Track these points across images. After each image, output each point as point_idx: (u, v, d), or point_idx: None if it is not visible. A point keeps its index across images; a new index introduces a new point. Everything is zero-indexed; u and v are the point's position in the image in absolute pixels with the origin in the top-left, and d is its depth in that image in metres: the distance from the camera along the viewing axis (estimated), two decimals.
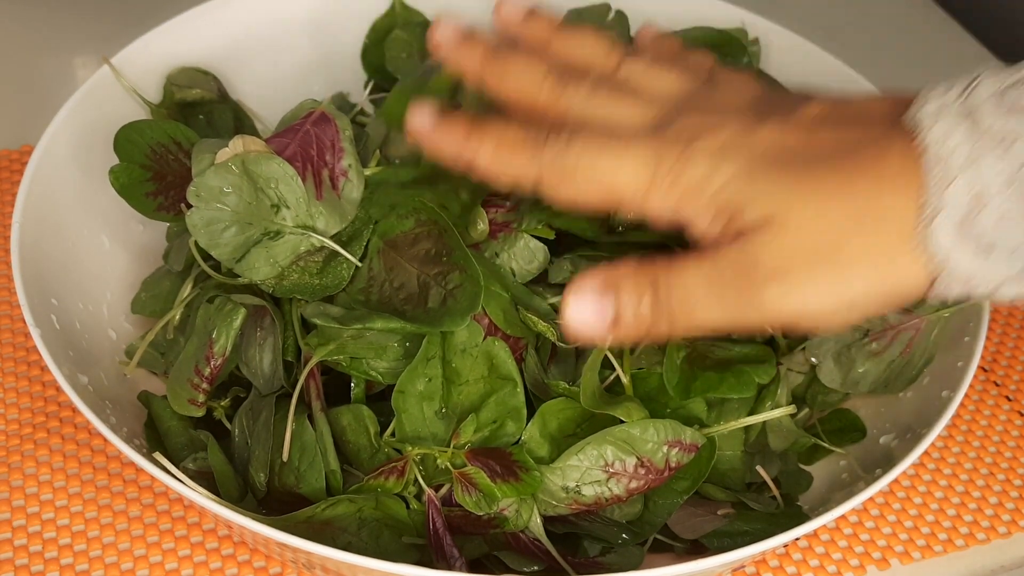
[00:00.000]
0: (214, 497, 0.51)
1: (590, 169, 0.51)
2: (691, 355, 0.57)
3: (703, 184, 0.49)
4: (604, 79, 0.55)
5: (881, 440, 0.61)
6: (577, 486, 0.54)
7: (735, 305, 0.49)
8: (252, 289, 0.58)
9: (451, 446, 0.54)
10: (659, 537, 0.58)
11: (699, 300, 0.49)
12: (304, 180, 0.57)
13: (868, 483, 0.53)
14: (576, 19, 0.72)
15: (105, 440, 0.62)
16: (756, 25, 0.78)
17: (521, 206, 0.59)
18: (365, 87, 0.78)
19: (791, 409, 0.58)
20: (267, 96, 0.75)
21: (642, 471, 0.55)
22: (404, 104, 0.59)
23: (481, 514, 0.54)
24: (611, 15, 0.73)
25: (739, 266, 0.48)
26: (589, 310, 0.50)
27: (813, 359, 0.61)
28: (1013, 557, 0.64)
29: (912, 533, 0.64)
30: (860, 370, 0.61)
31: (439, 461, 0.54)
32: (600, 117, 0.53)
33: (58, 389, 0.65)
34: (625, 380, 0.58)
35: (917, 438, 0.56)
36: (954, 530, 0.64)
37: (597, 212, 0.55)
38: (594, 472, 0.54)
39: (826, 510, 0.52)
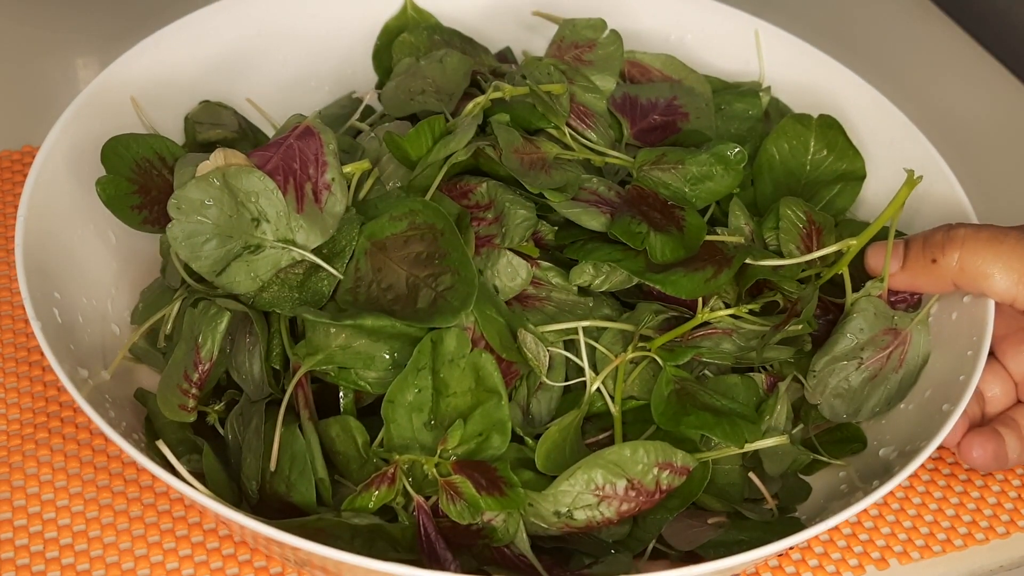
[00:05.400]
0: (210, 493, 0.51)
1: None
2: (680, 391, 0.57)
3: None
4: None
5: (880, 452, 0.60)
6: (569, 511, 0.54)
7: None
8: (236, 296, 0.57)
9: (438, 453, 0.54)
10: (655, 544, 0.57)
11: (1003, 250, 0.58)
12: (285, 194, 0.56)
13: (866, 493, 0.53)
14: (570, 31, 0.72)
15: (106, 440, 0.62)
16: (756, 26, 0.78)
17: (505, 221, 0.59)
18: (377, 88, 0.77)
19: (784, 440, 0.57)
20: (277, 95, 0.75)
21: (632, 493, 0.54)
22: (424, 145, 0.59)
23: (468, 524, 0.53)
24: (606, 33, 0.72)
25: None
26: (881, 257, 0.62)
27: (812, 400, 0.61)
28: (1011, 557, 0.63)
29: (911, 533, 0.63)
30: (865, 397, 0.61)
31: (426, 468, 0.53)
32: None
33: (59, 389, 0.65)
34: (615, 411, 0.58)
35: (916, 451, 0.55)
36: (952, 530, 0.63)
37: None
38: (585, 496, 0.53)
39: (822, 519, 0.52)
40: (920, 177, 0.59)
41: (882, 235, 0.61)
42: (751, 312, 0.60)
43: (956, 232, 0.60)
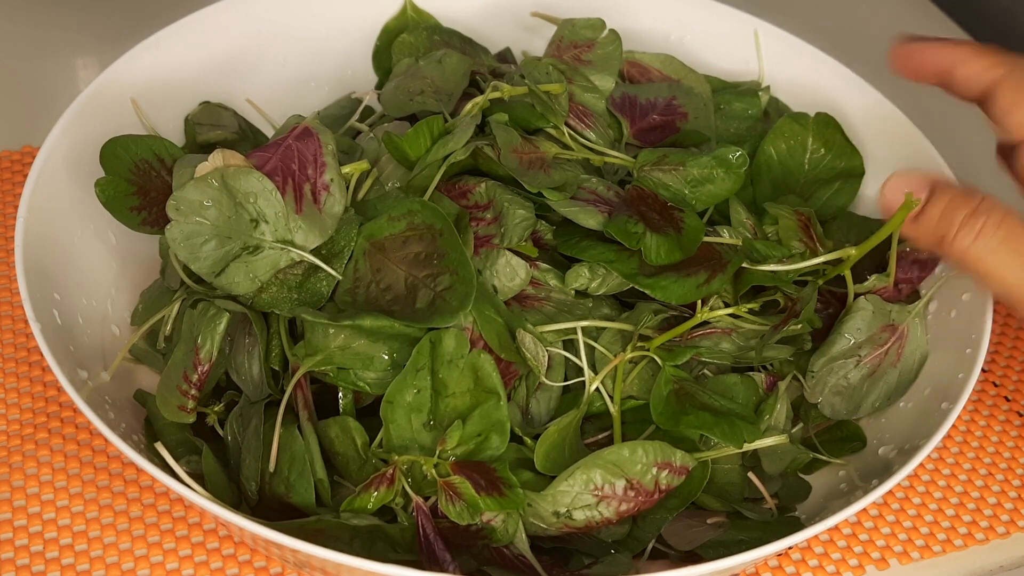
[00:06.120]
0: (209, 495, 0.51)
1: None
2: (679, 391, 0.57)
3: None
4: None
5: (880, 451, 0.60)
6: (568, 511, 0.53)
7: None
8: (235, 297, 0.57)
9: (437, 453, 0.54)
10: (655, 544, 0.56)
11: (1020, 253, 0.54)
12: (284, 194, 0.56)
13: (866, 492, 0.53)
14: (569, 31, 0.72)
15: (106, 440, 0.62)
16: (756, 26, 0.78)
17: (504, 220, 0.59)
18: (376, 88, 0.77)
19: (783, 439, 0.57)
20: (277, 96, 0.74)
21: (631, 493, 0.54)
22: (422, 145, 0.59)
23: (467, 524, 0.53)
24: (605, 32, 0.72)
25: None
26: (901, 193, 0.56)
27: (811, 399, 0.61)
28: (1012, 557, 0.62)
29: (911, 533, 0.62)
30: (865, 393, 0.61)
31: (425, 469, 0.53)
32: None
33: (59, 389, 0.64)
34: (614, 411, 0.58)
35: (915, 449, 0.55)
36: (953, 530, 0.63)
37: None
38: (584, 496, 0.53)
39: (822, 519, 0.52)
40: (919, 200, 0.59)
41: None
42: (750, 311, 0.60)
43: (976, 220, 0.55)
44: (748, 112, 0.73)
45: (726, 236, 0.62)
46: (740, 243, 0.61)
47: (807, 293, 0.60)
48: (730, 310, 0.59)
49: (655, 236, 0.58)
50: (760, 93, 0.74)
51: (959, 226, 0.55)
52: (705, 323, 0.59)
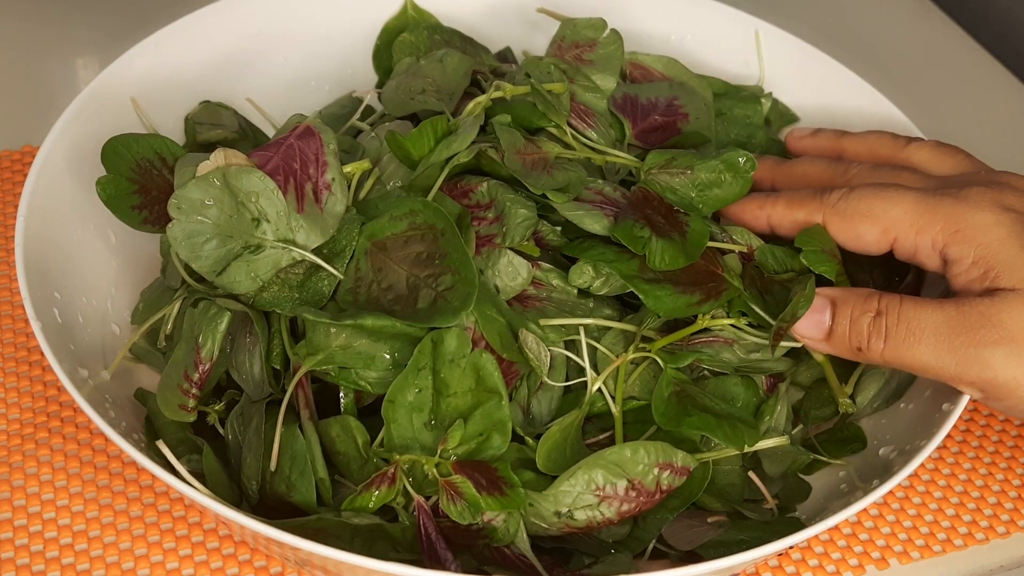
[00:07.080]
0: (210, 493, 0.51)
1: (868, 208, 0.57)
2: (680, 393, 0.57)
3: (983, 231, 0.54)
4: (887, 160, 0.63)
5: (880, 452, 0.60)
6: (569, 511, 0.53)
7: (959, 353, 0.53)
8: (236, 296, 0.57)
9: (439, 453, 0.54)
10: (655, 544, 0.56)
11: (925, 337, 0.53)
12: (286, 194, 0.56)
13: (866, 493, 0.53)
14: (570, 30, 0.72)
15: (106, 440, 0.62)
16: (756, 26, 0.78)
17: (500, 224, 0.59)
18: (377, 87, 0.77)
19: (784, 441, 0.57)
20: (277, 95, 0.75)
21: (633, 494, 0.54)
22: (426, 145, 0.59)
23: (468, 524, 0.53)
24: (606, 32, 0.72)
25: (982, 319, 0.52)
26: (807, 318, 0.56)
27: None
28: (1012, 557, 0.63)
29: (911, 533, 0.63)
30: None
31: (426, 468, 0.53)
32: (881, 178, 0.60)
33: (59, 389, 0.65)
34: (616, 411, 0.58)
35: (916, 450, 0.55)
36: (953, 530, 0.63)
37: (874, 253, 0.59)
38: (585, 496, 0.53)
39: (822, 519, 0.52)
40: None
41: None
42: (750, 325, 0.59)
43: (880, 322, 0.55)
44: (749, 119, 0.73)
45: (736, 238, 0.61)
46: (745, 248, 0.61)
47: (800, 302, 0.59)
48: (730, 321, 0.59)
49: (660, 241, 0.58)
50: (762, 100, 0.74)
51: (868, 334, 0.55)
52: (707, 329, 0.59)
